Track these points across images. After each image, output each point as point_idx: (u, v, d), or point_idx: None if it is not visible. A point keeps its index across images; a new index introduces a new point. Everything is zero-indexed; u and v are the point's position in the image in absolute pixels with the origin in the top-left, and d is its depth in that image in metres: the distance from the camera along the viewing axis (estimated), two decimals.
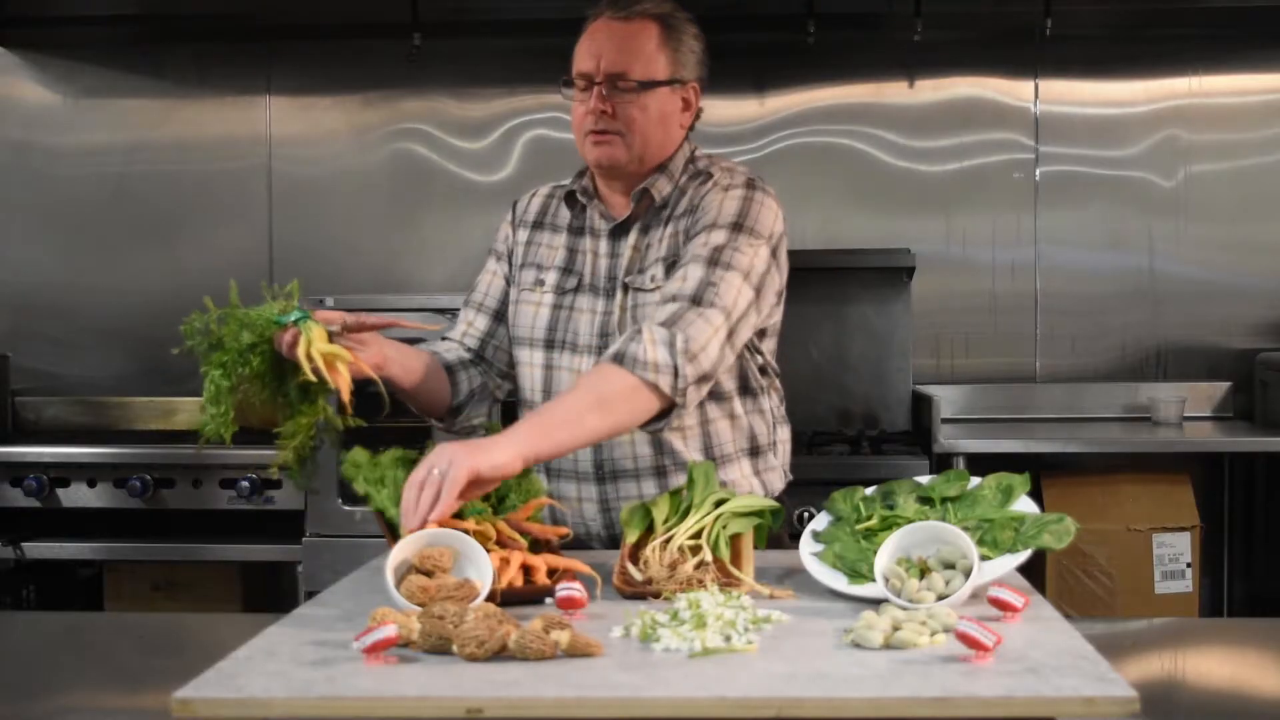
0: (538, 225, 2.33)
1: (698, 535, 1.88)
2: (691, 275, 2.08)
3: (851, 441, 3.97)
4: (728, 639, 1.54)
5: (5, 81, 4.62)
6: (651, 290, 2.17)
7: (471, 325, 2.35)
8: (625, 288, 2.20)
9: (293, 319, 1.89)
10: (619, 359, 1.96)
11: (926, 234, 4.43)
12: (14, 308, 4.61)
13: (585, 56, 2.18)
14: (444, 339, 2.37)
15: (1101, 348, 4.47)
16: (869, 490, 2.02)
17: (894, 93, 4.47)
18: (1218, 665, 1.95)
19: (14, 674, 1.86)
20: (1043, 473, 3.99)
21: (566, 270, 2.26)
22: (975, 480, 1.96)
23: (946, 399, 4.12)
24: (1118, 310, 4.45)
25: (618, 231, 2.24)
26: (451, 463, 1.77)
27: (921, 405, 4.11)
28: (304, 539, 3.78)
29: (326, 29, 4.49)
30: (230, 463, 3.89)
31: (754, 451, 2.27)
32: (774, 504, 2.00)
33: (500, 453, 1.81)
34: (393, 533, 1.85)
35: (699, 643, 1.52)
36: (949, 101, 4.46)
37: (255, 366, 1.92)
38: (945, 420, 3.99)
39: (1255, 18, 4.32)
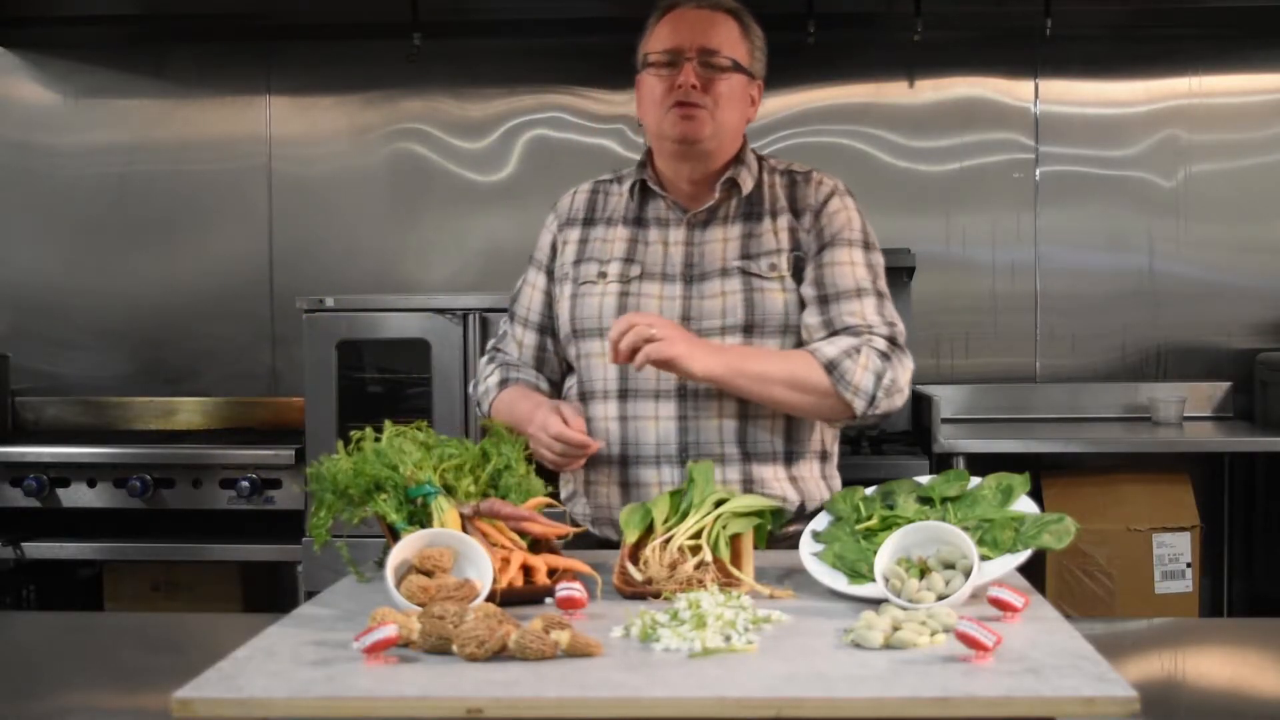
0: (589, 222, 2.35)
1: (698, 535, 1.88)
2: (869, 309, 2.20)
3: (851, 441, 3.97)
4: (728, 639, 1.54)
5: (5, 81, 4.62)
6: (769, 278, 2.21)
7: (523, 344, 2.39)
8: (742, 273, 2.21)
9: (423, 493, 1.88)
10: (830, 367, 2.12)
11: (926, 234, 4.43)
12: (14, 308, 4.62)
13: (672, 35, 2.22)
14: (498, 350, 2.42)
15: (1101, 348, 4.47)
16: (869, 490, 2.03)
17: (894, 93, 4.47)
18: (1218, 665, 1.95)
19: (14, 674, 1.86)
20: (1043, 473, 3.99)
21: (628, 260, 2.27)
22: (975, 480, 1.96)
23: (946, 399, 4.12)
24: (1118, 310, 4.45)
25: (696, 220, 2.26)
26: (667, 340, 2.02)
27: (921, 405, 4.11)
28: (304, 539, 3.77)
29: (326, 29, 4.49)
30: (230, 463, 3.89)
31: (823, 456, 2.30)
32: (774, 504, 2.01)
33: (700, 363, 2.06)
34: (393, 534, 1.85)
35: (699, 643, 1.51)
36: (949, 101, 4.46)
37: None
38: (945, 420, 3.99)
39: (1255, 18, 4.32)
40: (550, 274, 2.37)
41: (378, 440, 1.95)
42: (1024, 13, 4.22)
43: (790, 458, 2.23)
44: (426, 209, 4.56)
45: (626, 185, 2.33)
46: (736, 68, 2.22)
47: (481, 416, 2.36)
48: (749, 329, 2.19)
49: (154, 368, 4.60)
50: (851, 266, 2.22)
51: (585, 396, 2.27)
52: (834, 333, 2.18)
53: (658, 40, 2.24)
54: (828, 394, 2.12)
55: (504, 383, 2.34)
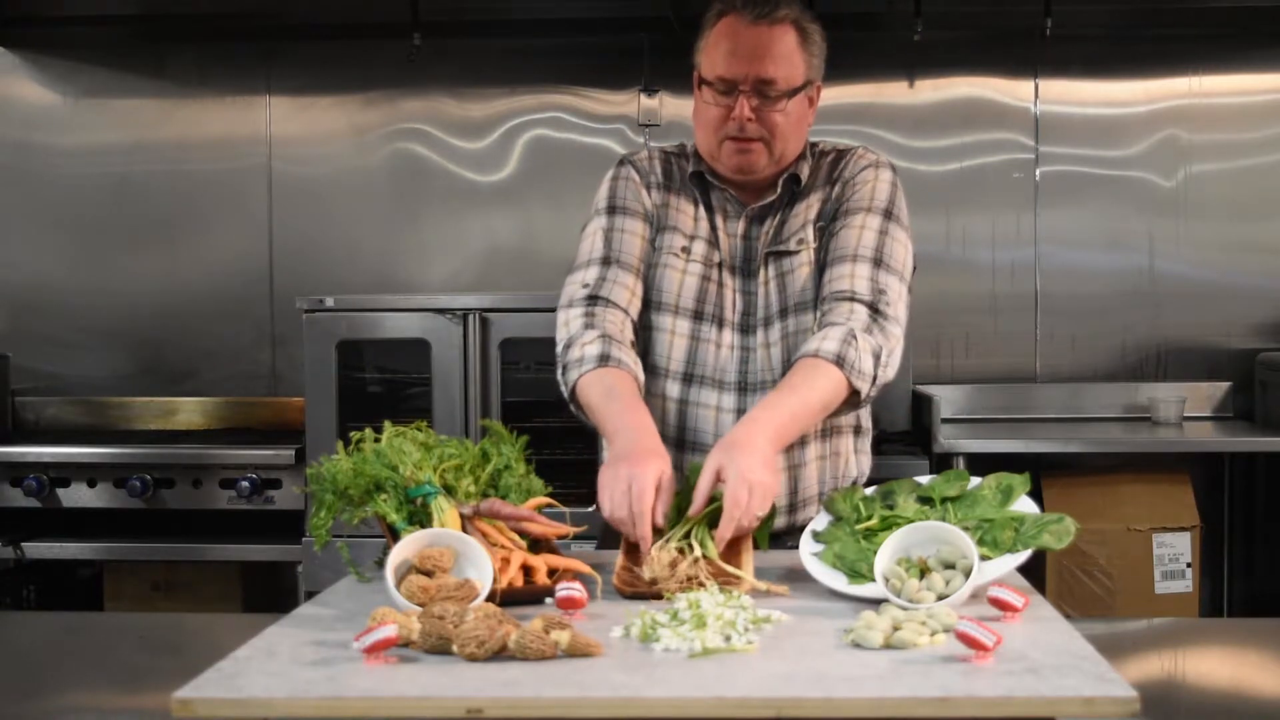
0: (667, 188, 2.29)
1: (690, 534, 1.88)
2: (860, 275, 2.14)
3: None
4: (728, 639, 1.54)
5: (5, 81, 4.62)
6: (797, 252, 2.19)
7: (634, 293, 2.23)
8: (767, 258, 2.20)
9: (423, 493, 1.88)
10: (839, 361, 2.04)
11: (926, 234, 4.42)
12: (14, 308, 4.61)
13: (726, 61, 2.14)
14: (600, 300, 2.21)
15: (1101, 348, 4.47)
16: (869, 490, 2.03)
17: (894, 93, 4.47)
18: (1218, 665, 1.95)
19: (14, 674, 1.86)
20: (1043, 473, 3.99)
21: (711, 243, 2.24)
22: (975, 480, 1.96)
23: (946, 399, 4.12)
24: (1118, 310, 4.45)
25: (753, 214, 2.24)
26: (761, 501, 1.88)
27: (921, 405, 4.11)
28: (304, 539, 3.77)
29: (326, 29, 4.49)
30: (230, 463, 3.89)
31: (858, 430, 2.30)
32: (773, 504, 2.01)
33: (773, 469, 1.94)
34: (393, 534, 1.85)
35: (699, 643, 1.51)
36: (949, 101, 4.46)
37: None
38: (945, 420, 3.99)
39: (1255, 18, 4.32)
40: (650, 223, 2.27)
41: (377, 440, 1.95)
42: (1024, 13, 4.21)
43: (826, 433, 2.23)
44: (426, 209, 4.56)
45: (690, 166, 2.28)
46: (791, 94, 2.15)
47: (564, 388, 2.16)
48: (784, 313, 2.19)
49: (154, 368, 4.60)
50: (860, 231, 2.17)
51: (648, 370, 2.23)
52: (823, 300, 2.14)
53: (712, 62, 2.16)
54: (844, 389, 2.05)
55: (604, 359, 2.11)
